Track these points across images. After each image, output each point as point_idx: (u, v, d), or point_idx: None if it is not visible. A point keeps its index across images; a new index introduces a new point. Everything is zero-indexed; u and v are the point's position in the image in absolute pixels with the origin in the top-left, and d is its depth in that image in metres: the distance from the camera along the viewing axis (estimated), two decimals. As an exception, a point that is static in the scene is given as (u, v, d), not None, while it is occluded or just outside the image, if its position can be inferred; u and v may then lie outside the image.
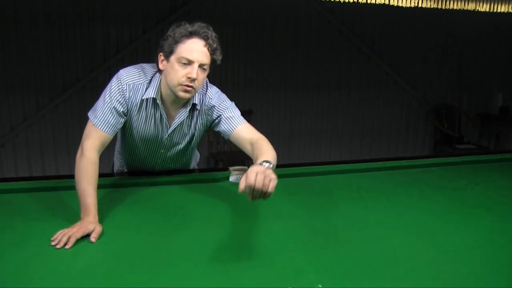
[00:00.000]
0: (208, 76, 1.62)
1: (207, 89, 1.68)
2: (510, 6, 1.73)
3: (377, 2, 1.60)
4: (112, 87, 1.59)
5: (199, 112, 1.69)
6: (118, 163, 1.99)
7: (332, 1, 1.57)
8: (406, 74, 4.78)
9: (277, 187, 1.69)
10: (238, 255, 1.24)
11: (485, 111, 5.07)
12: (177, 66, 1.50)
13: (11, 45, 3.70)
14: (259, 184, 1.16)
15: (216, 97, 1.68)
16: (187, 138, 1.77)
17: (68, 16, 3.77)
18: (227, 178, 1.89)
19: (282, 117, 4.54)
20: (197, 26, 1.50)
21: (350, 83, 4.64)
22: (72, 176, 1.50)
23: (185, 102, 1.66)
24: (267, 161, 1.31)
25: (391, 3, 1.62)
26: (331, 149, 4.75)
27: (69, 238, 1.25)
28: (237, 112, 1.68)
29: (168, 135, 1.71)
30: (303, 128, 4.62)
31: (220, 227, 1.43)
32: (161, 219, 1.48)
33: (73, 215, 1.40)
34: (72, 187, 1.47)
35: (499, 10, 1.73)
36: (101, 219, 1.39)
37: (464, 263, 1.22)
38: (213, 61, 1.55)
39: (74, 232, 1.27)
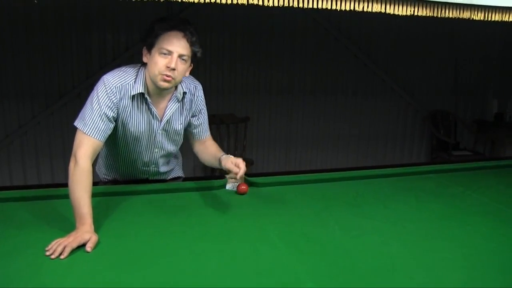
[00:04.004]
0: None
1: (195, 84, 1.78)
2: (504, 15, 1.76)
3: (373, 10, 1.61)
4: (99, 92, 1.59)
5: (189, 102, 1.76)
6: (109, 176, 1.95)
7: (328, 9, 1.58)
8: (402, 80, 4.80)
9: (275, 195, 1.68)
10: (234, 263, 1.23)
11: (480, 118, 5.09)
12: (157, 57, 1.55)
13: (6, 52, 3.68)
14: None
15: (202, 92, 1.81)
16: (180, 130, 1.79)
17: (64, 23, 3.76)
18: (224, 186, 1.88)
19: (279, 123, 4.54)
20: (177, 20, 1.58)
21: (346, 90, 4.66)
22: (67, 185, 1.49)
23: (171, 93, 1.70)
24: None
25: (388, 11, 1.62)
26: (328, 155, 4.75)
27: (64, 248, 1.23)
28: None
29: (162, 128, 1.72)
30: (300, 135, 4.63)
31: (216, 235, 1.42)
32: (157, 228, 1.47)
33: (69, 225, 1.39)
34: (68, 196, 1.45)
35: (493, 19, 1.75)
36: (97, 228, 1.38)
37: (462, 270, 1.22)
38: (193, 53, 1.60)
39: (69, 241, 1.26)
